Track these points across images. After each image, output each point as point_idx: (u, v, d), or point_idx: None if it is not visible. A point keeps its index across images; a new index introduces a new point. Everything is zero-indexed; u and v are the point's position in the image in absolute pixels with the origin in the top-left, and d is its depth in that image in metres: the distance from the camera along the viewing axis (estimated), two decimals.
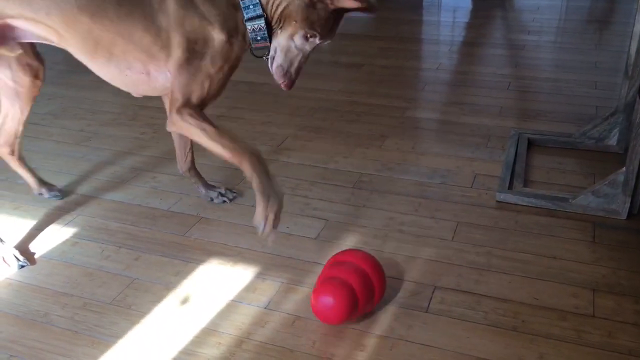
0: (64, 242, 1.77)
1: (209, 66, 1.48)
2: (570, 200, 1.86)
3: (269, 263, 1.65)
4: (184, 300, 1.52)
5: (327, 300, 1.37)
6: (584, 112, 2.63)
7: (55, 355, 1.35)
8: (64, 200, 2.00)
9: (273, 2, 1.45)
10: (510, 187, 1.98)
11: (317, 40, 1.48)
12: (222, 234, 1.80)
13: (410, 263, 1.64)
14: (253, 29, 1.48)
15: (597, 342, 1.36)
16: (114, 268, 1.65)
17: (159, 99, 1.79)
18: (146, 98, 1.67)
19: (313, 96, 2.92)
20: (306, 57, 1.53)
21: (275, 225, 1.46)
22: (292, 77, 1.54)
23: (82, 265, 1.67)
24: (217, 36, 1.46)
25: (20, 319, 1.47)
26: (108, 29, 1.46)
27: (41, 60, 1.71)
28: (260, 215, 1.44)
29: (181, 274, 1.62)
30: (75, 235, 1.81)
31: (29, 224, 1.87)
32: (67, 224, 1.87)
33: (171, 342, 1.39)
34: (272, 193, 1.45)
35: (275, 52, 1.52)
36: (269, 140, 2.43)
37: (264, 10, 1.46)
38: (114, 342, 1.39)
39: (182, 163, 1.94)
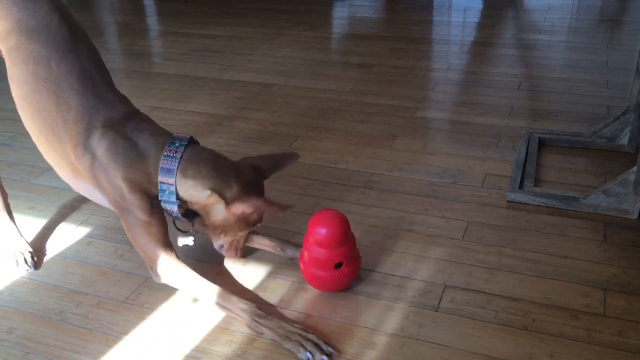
0: (79, 242, 1.80)
1: (139, 220, 1.44)
2: (581, 200, 1.86)
3: (280, 262, 1.66)
4: (196, 299, 1.54)
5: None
6: (595, 111, 2.63)
7: (70, 353, 1.37)
8: (77, 200, 2.02)
9: (193, 195, 1.44)
10: (521, 186, 1.98)
11: (260, 225, 1.54)
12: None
13: (421, 262, 1.65)
14: (166, 210, 1.48)
15: (608, 341, 1.36)
16: (127, 267, 1.67)
17: (171, 102, 1.80)
18: (158, 99, 1.69)
19: (323, 96, 2.93)
20: (247, 235, 1.60)
21: (323, 342, 1.36)
22: (239, 248, 1.59)
23: (96, 264, 1.69)
24: (124, 187, 1.42)
25: (35, 316, 1.49)
26: (43, 138, 1.51)
27: None
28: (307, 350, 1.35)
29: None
30: (89, 235, 1.83)
31: (43, 223, 1.90)
32: (81, 224, 1.89)
33: (184, 340, 1.40)
34: (293, 335, 1.36)
35: (220, 246, 1.57)
36: (280, 141, 2.44)
37: (180, 197, 1.45)
38: (127, 340, 1.41)
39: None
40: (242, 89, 3.04)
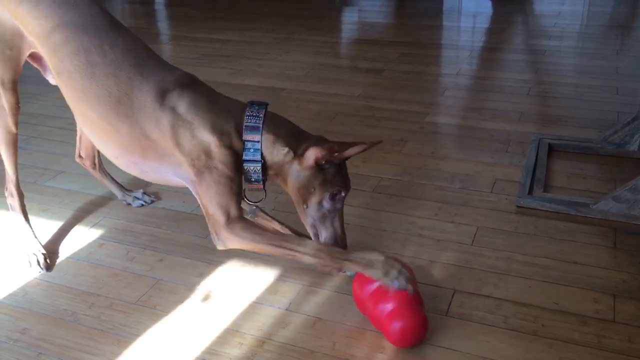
0: (91, 244, 1.82)
1: (224, 175, 1.42)
2: (590, 206, 1.86)
3: (290, 265, 1.67)
4: (206, 298, 1.55)
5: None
6: (605, 117, 2.62)
7: (82, 354, 1.39)
8: (90, 203, 2.04)
9: (273, 153, 1.44)
10: (530, 192, 1.99)
11: (343, 194, 1.47)
12: None
13: (430, 267, 1.66)
14: (248, 170, 1.46)
15: (618, 347, 1.36)
16: (139, 269, 1.69)
17: None
18: None
19: (333, 101, 2.94)
20: (342, 214, 1.49)
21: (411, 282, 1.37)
22: (343, 239, 1.49)
23: (108, 266, 1.71)
24: (209, 141, 1.41)
25: (48, 317, 1.51)
26: (104, 120, 1.49)
27: None
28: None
29: (204, 275, 1.65)
30: (101, 237, 1.85)
31: (56, 225, 1.92)
32: (93, 226, 1.91)
33: (194, 342, 1.42)
34: (370, 262, 1.37)
35: (314, 227, 1.47)
36: None
37: (263, 156, 1.44)
38: (139, 341, 1.42)
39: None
40: (252, 93, 3.06)
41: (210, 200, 1.42)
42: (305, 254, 1.37)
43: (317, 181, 1.43)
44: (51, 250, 1.77)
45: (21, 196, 1.77)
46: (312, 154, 1.41)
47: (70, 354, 1.39)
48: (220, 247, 1.44)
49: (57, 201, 2.06)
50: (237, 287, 1.60)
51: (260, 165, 1.44)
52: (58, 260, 1.74)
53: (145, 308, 1.53)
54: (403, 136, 2.51)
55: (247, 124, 1.43)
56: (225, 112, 1.45)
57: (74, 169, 2.28)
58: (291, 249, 1.39)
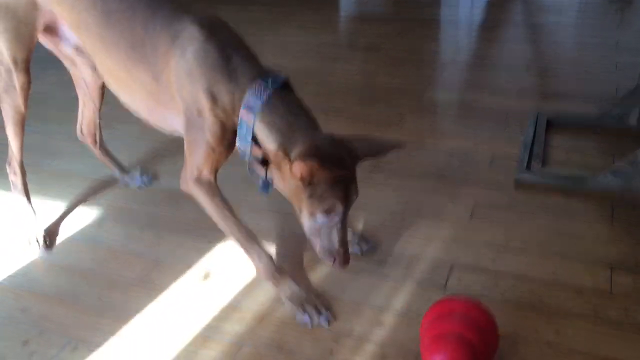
0: (90, 224, 1.82)
1: (206, 142, 1.38)
2: (589, 180, 1.86)
3: (289, 242, 1.68)
4: (206, 276, 1.56)
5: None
6: (604, 92, 2.61)
7: (83, 331, 1.40)
8: (88, 184, 2.04)
9: (266, 143, 1.34)
10: (528, 167, 1.99)
11: (340, 209, 1.31)
12: (243, 214, 1.82)
13: (428, 242, 1.66)
14: (239, 148, 1.40)
15: (614, 318, 1.37)
16: (138, 248, 1.69)
17: None
18: None
19: (331, 79, 2.93)
20: (343, 226, 1.34)
21: (324, 308, 1.41)
22: (342, 252, 1.35)
23: (108, 246, 1.72)
24: (203, 103, 1.36)
25: (49, 297, 1.52)
26: (120, 66, 1.48)
27: None
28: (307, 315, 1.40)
29: (203, 253, 1.66)
30: (100, 217, 1.85)
31: (55, 206, 1.92)
32: (92, 207, 1.91)
33: (195, 318, 1.43)
34: (298, 296, 1.41)
35: (310, 236, 1.37)
36: None
37: (258, 140, 1.35)
38: (139, 319, 1.43)
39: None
40: None
41: (190, 153, 1.43)
42: (249, 256, 1.46)
43: (305, 195, 1.31)
44: (50, 231, 1.78)
45: (24, 174, 1.77)
46: (297, 169, 1.27)
47: (71, 332, 1.40)
48: (182, 188, 1.48)
49: (54, 182, 2.06)
50: (236, 265, 1.61)
51: (249, 147, 1.36)
52: (57, 241, 1.75)
53: (145, 286, 1.54)
54: (402, 113, 2.50)
55: (247, 100, 1.34)
56: (232, 78, 1.35)
57: (72, 150, 2.28)
58: (239, 241, 1.45)
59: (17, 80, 1.62)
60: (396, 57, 3.23)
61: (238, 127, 1.37)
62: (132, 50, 1.44)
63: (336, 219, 1.32)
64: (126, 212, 1.87)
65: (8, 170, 1.77)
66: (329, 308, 1.42)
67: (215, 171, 1.46)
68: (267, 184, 1.43)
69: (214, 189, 1.45)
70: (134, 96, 1.54)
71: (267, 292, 1.50)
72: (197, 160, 1.42)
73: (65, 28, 1.61)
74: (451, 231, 1.71)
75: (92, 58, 1.58)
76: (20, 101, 1.65)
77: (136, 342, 1.37)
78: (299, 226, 1.57)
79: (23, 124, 1.70)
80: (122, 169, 2.03)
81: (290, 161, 1.29)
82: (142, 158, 2.21)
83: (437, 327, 1.21)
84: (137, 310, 1.46)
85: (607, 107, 2.27)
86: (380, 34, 3.66)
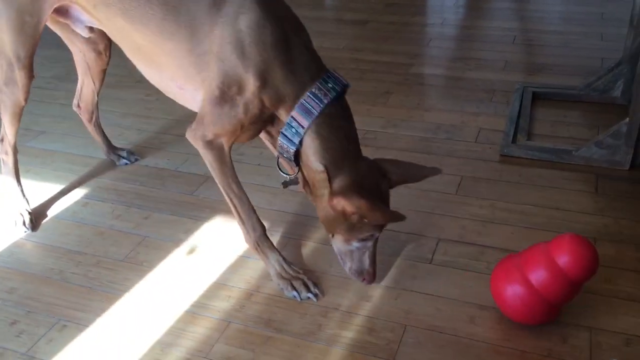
0: (75, 203, 1.81)
1: (238, 119, 1.29)
2: (573, 153, 1.87)
3: (277, 219, 1.68)
4: (191, 251, 1.56)
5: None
6: (589, 64, 2.61)
7: (70, 310, 1.40)
8: (72, 163, 2.03)
9: (309, 157, 1.28)
10: (514, 140, 1.99)
11: (376, 235, 1.34)
12: None
13: (415, 216, 1.67)
14: (281, 145, 1.30)
15: (597, 288, 1.39)
16: (124, 227, 1.69)
17: None
18: None
19: (319, 54, 2.90)
20: (374, 249, 1.37)
21: (312, 284, 1.41)
22: (370, 272, 1.37)
23: (94, 224, 1.71)
24: (251, 82, 1.25)
25: (36, 276, 1.51)
26: (149, 40, 1.36)
27: (108, 39, 1.73)
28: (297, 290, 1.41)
29: (190, 231, 1.66)
30: (85, 196, 1.84)
31: (40, 186, 1.90)
32: (77, 186, 1.90)
33: (183, 296, 1.43)
34: (285, 273, 1.42)
35: (341, 257, 1.39)
36: None
37: (302, 143, 1.27)
38: (127, 297, 1.44)
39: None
40: None
41: (211, 120, 1.31)
42: (243, 227, 1.43)
43: (343, 226, 1.31)
44: (35, 211, 1.76)
45: (15, 153, 1.73)
46: (339, 204, 1.24)
47: (58, 312, 1.40)
48: (187, 137, 1.39)
49: (39, 162, 2.05)
50: (223, 242, 1.61)
51: (294, 149, 1.28)
52: (43, 220, 1.73)
53: (132, 265, 1.54)
54: (388, 88, 2.50)
55: (304, 101, 1.24)
56: (292, 69, 1.25)
57: (55, 129, 2.26)
58: (238, 210, 1.41)
59: (19, 76, 1.55)
60: (382, 32, 3.21)
61: (285, 126, 1.27)
62: (164, 22, 1.31)
63: (369, 244, 1.35)
64: (112, 191, 1.86)
65: None
66: (317, 284, 1.42)
67: (230, 144, 1.38)
68: (291, 183, 1.40)
69: (225, 156, 1.37)
70: (162, 74, 1.42)
71: (254, 269, 1.51)
72: (217, 129, 1.32)
73: (77, 9, 1.51)
74: (438, 205, 1.72)
75: (116, 39, 1.48)
76: (20, 96, 1.59)
77: (125, 319, 1.37)
78: (288, 204, 1.58)
79: (20, 115, 1.65)
80: (111, 147, 2.01)
81: (332, 190, 1.26)
82: (128, 136, 2.19)
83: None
84: (125, 288, 1.46)
85: (592, 80, 2.27)
86: (367, 8, 3.63)
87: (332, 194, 1.26)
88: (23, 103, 1.62)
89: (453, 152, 1.99)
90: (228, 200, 1.42)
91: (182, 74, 1.36)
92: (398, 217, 1.26)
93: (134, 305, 1.41)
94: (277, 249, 1.46)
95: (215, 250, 1.58)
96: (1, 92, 1.59)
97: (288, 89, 1.26)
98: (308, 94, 1.24)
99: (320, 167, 1.27)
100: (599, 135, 1.87)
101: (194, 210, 1.75)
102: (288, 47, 1.25)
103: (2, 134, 1.71)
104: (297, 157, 1.31)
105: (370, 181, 1.29)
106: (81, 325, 1.36)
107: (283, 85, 1.25)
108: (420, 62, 2.78)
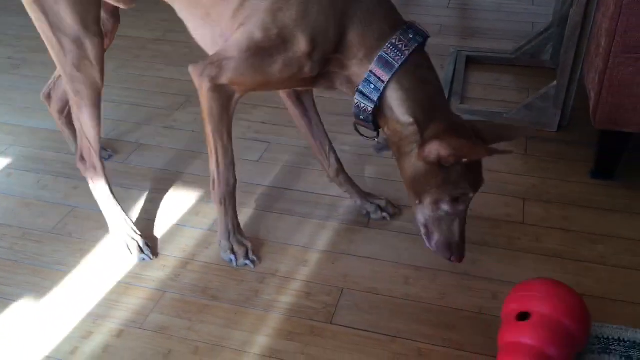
0: None
1: (274, 76, 1.18)
2: (504, 115, 1.91)
3: None
4: None
5: None
6: (521, 28, 2.66)
7: None
8: None
9: (394, 112, 1.17)
10: None
11: (471, 195, 1.20)
12: (162, 160, 1.78)
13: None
14: (358, 104, 1.20)
15: (527, 246, 1.44)
16: (52, 197, 1.62)
17: None
18: None
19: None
20: (464, 218, 1.23)
21: (251, 253, 1.40)
22: (460, 247, 1.24)
23: (19, 195, 1.63)
24: (299, 46, 1.14)
25: None
26: (197, 8, 1.27)
27: (117, 20, 1.58)
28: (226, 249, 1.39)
29: (123, 201, 1.59)
30: (9, 166, 1.75)
31: None
32: None
33: (115, 267, 1.39)
34: (233, 237, 1.39)
35: (427, 227, 1.24)
36: None
37: (381, 99, 1.17)
38: (56, 270, 1.39)
39: (325, 166, 1.56)
40: (168, 9, 2.90)
41: (236, 64, 1.18)
42: (215, 170, 1.31)
43: (436, 180, 1.16)
44: None
45: (104, 167, 1.44)
46: (434, 150, 1.12)
47: None
48: (190, 72, 1.23)
49: None
50: (157, 211, 1.57)
51: (372, 107, 1.18)
52: None
53: (61, 236, 1.48)
54: None
55: (384, 54, 1.13)
56: (364, 18, 1.13)
57: None
58: (219, 161, 1.29)
59: (92, 47, 1.30)
60: None
61: (362, 82, 1.17)
62: None
63: (461, 208, 1.20)
64: (38, 161, 1.78)
65: (81, 168, 1.44)
66: (255, 252, 1.41)
67: (241, 94, 1.25)
68: (383, 146, 1.29)
69: (231, 106, 1.24)
70: (215, 30, 1.27)
71: (190, 237, 1.48)
72: (236, 76, 1.19)
73: None
74: (374, 169, 1.73)
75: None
76: (96, 74, 1.33)
77: (54, 293, 1.33)
78: (244, 174, 1.54)
79: (100, 103, 1.38)
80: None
81: (424, 140, 1.14)
82: None
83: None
84: (54, 261, 1.41)
85: (523, 44, 2.32)
86: None
87: (426, 142, 1.13)
88: (101, 85, 1.36)
89: None
90: (212, 148, 1.28)
91: (226, 20, 1.22)
92: (501, 150, 1.11)
93: (63, 278, 1.36)
94: (236, 212, 1.41)
95: (149, 220, 1.54)
96: (74, 80, 1.32)
97: (364, 43, 1.15)
98: (387, 45, 1.14)
99: (409, 119, 1.15)
100: (529, 98, 1.91)
101: (126, 178, 1.70)
102: None
103: (80, 148, 1.42)
104: (375, 118, 1.21)
105: (464, 134, 1.15)
106: (7, 299, 1.30)
107: (358, 38, 1.15)
108: None
